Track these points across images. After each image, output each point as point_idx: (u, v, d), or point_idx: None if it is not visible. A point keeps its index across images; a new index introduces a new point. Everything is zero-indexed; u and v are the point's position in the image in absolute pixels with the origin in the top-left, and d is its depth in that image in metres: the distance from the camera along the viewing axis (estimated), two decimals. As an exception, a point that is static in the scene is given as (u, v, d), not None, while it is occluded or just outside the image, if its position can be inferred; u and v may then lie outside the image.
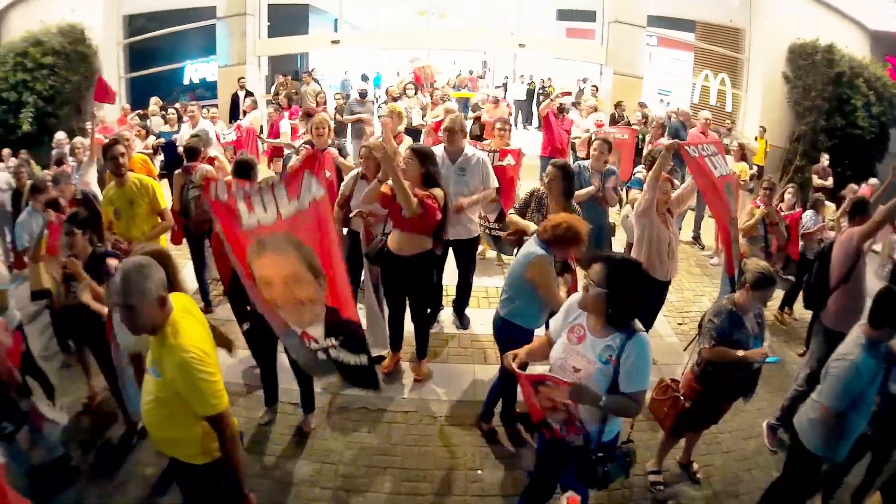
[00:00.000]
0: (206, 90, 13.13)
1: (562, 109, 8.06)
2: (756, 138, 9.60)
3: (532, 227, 3.95)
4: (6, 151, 7.51)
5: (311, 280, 2.85)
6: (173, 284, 2.30)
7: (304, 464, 3.60)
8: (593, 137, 6.92)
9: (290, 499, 3.37)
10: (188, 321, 2.22)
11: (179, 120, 8.29)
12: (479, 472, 3.62)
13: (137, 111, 9.67)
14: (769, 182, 5.20)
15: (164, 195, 4.47)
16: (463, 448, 3.80)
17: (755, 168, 8.24)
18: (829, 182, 8.38)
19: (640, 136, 8.10)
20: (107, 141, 4.54)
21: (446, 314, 5.28)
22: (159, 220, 4.39)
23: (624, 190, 6.64)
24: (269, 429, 3.87)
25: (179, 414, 2.18)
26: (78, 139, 6.17)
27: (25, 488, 3.03)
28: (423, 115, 9.49)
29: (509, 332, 3.38)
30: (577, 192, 4.47)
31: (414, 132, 9.85)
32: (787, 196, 5.80)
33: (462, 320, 5.21)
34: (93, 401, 3.99)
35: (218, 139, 8.12)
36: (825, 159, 8.74)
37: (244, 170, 3.98)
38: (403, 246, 3.91)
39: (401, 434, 3.89)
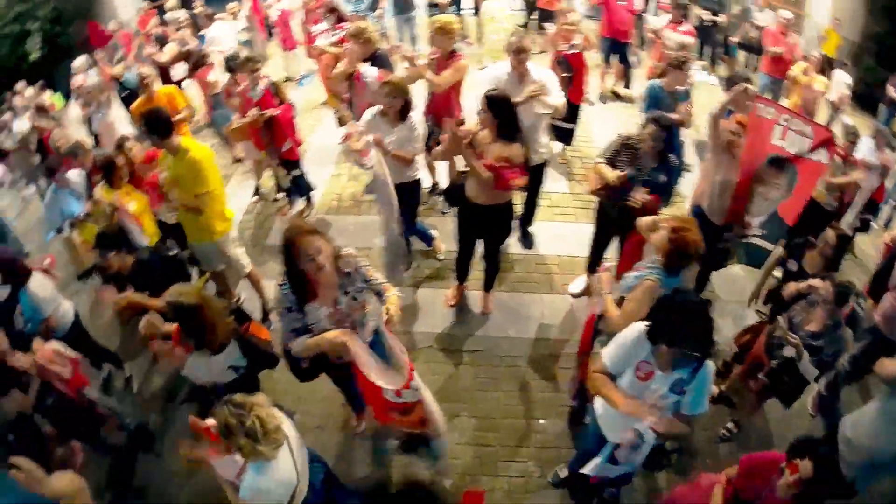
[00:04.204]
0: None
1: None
2: (828, 30, 8.25)
3: (616, 179, 3.50)
4: (20, 85, 7.07)
5: None
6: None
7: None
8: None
9: (361, 454, 3.48)
10: None
11: (196, 28, 7.52)
12: (541, 421, 3.63)
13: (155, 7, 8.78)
14: (854, 134, 4.46)
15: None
16: (529, 394, 3.78)
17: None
18: None
19: None
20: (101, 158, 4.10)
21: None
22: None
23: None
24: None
25: None
26: (88, 83, 5.61)
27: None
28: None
29: None
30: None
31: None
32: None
33: (526, 238, 4.98)
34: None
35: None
36: None
37: None
38: (482, 197, 3.56)
39: (469, 377, 3.88)
